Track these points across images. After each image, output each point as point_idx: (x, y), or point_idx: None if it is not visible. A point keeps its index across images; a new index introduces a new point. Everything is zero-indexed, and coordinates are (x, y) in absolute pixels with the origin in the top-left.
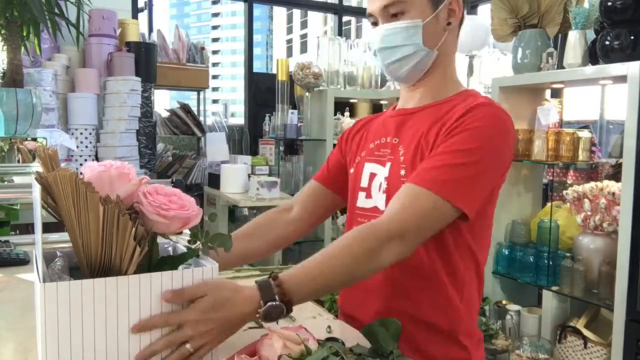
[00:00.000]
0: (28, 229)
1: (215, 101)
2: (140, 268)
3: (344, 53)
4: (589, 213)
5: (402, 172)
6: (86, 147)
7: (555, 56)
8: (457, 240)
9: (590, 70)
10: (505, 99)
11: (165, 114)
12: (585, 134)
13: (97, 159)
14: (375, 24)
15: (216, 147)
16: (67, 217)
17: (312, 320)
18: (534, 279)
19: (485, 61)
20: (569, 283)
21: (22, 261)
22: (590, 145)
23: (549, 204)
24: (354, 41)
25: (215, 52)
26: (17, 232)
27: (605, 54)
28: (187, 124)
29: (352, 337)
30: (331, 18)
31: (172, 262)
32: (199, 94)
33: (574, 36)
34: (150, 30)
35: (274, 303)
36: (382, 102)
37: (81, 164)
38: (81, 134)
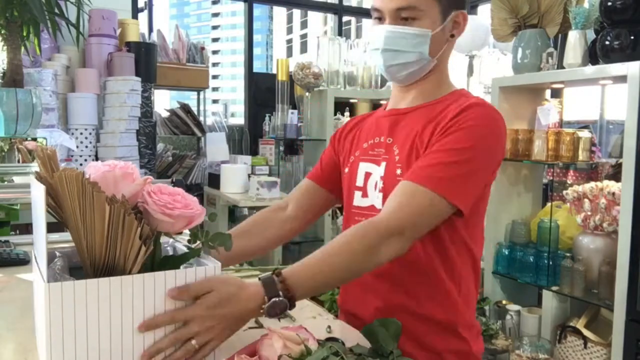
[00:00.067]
0: (28, 229)
1: (215, 101)
2: (144, 268)
3: (344, 53)
4: (589, 213)
5: (398, 171)
6: (86, 147)
7: (555, 56)
8: (453, 236)
9: (590, 70)
10: (505, 99)
11: (165, 114)
12: (585, 134)
13: (97, 159)
14: (379, 19)
15: (216, 147)
16: (71, 217)
17: (312, 320)
18: (534, 279)
19: (485, 61)
20: (569, 283)
21: (22, 261)
22: (590, 145)
23: (549, 204)
24: (354, 41)
25: (215, 52)
26: (17, 232)
27: (605, 54)
28: (187, 124)
29: (352, 337)
30: (331, 18)
31: (174, 261)
32: (199, 94)
33: (574, 36)
34: (150, 30)
35: (277, 299)
36: (382, 102)
37: (81, 164)
38: (81, 134)
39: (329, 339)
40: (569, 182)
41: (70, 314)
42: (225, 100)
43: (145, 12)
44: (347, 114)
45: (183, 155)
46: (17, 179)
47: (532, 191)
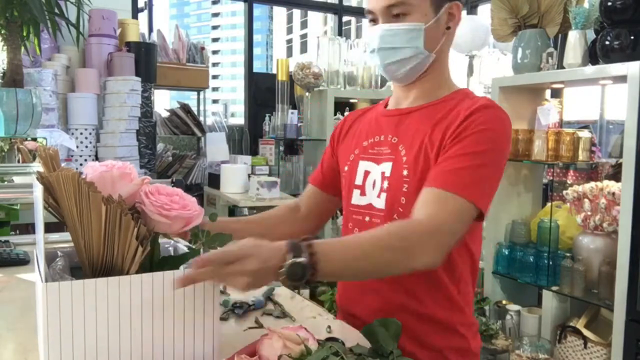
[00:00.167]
0: (28, 229)
1: (215, 101)
2: (142, 268)
3: (344, 53)
4: (589, 213)
5: (405, 172)
6: (86, 147)
7: (555, 56)
8: None
9: (590, 70)
10: (505, 99)
11: (165, 114)
12: (585, 134)
13: (97, 159)
14: (374, 21)
15: (216, 147)
16: (69, 217)
17: (312, 320)
18: (534, 279)
19: (485, 61)
20: (569, 283)
21: (22, 261)
22: (590, 145)
23: (549, 204)
24: (354, 41)
25: (215, 52)
26: (17, 232)
27: (605, 54)
28: (187, 124)
29: (352, 337)
30: (331, 18)
31: (173, 262)
32: (199, 94)
33: (574, 36)
34: (150, 30)
35: (299, 259)
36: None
37: (81, 164)
38: (81, 134)
39: (329, 339)
40: (569, 182)
41: (68, 313)
42: (225, 100)
43: (145, 12)
44: (347, 114)
45: (183, 155)
46: (17, 179)
47: (532, 191)
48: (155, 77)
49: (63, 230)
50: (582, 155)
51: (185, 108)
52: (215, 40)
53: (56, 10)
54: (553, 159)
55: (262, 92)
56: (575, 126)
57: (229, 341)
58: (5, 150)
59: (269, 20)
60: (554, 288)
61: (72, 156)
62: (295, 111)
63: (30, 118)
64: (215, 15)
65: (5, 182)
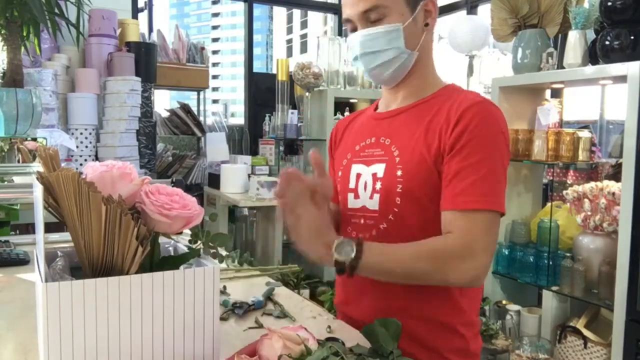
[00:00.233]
0: (28, 229)
1: (215, 101)
2: (142, 268)
3: (344, 53)
4: (589, 213)
5: (399, 172)
6: (86, 147)
7: (555, 56)
8: None
9: (590, 70)
10: (505, 99)
11: (165, 114)
12: (585, 134)
13: (97, 159)
14: (354, 29)
15: (216, 147)
16: (69, 217)
17: (312, 320)
18: (534, 279)
19: (485, 61)
20: (569, 283)
21: (22, 261)
22: (590, 145)
23: (549, 204)
24: None
25: (215, 52)
26: (17, 232)
27: (605, 54)
28: (187, 124)
29: (352, 337)
30: (331, 18)
31: (173, 262)
32: (199, 94)
33: (574, 36)
34: (150, 30)
35: (348, 239)
36: None
37: (81, 164)
38: (81, 134)
39: (329, 339)
40: (569, 182)
41: (67, 313)
42: (225, 100)
43: (145, 12)
44: (347, 114)
45: (183, 155)
46: (17, 179)
47: (532, 191)
48: (155, 77)
49: (63, 230)
50: (582, 155)
51: (185, 108)
52: (215, 40)
53: (56, 10)
54: (553, 159)
55: (262, 92)
56: (575, 126)
57: (229, 341)
58: (5, 150)
59: (269, 20)
60: (554, 288)
61: (72, 156)
62: (295, 111)
63: (30, 118)
64: (215, 15)
65: (5, 182)
